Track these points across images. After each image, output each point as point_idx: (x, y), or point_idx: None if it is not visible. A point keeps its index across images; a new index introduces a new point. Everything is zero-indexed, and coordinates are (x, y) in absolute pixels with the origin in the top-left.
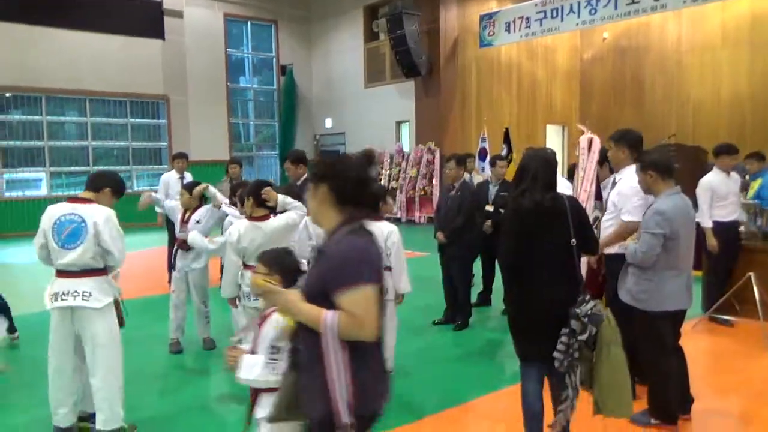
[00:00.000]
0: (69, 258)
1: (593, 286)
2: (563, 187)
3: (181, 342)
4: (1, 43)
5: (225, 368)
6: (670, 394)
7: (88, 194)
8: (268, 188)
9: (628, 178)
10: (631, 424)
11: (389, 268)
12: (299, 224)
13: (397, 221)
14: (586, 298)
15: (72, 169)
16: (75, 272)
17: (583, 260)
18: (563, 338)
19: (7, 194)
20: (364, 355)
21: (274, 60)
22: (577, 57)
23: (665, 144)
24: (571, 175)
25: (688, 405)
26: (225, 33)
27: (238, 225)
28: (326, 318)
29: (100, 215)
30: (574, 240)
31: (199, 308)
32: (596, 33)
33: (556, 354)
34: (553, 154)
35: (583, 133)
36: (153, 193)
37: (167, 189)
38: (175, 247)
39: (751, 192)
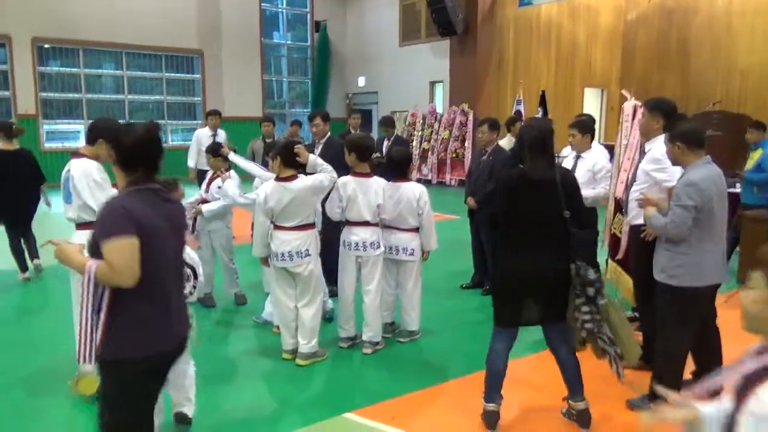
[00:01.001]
0: (67, 213)
1: (617, 253)
2: (598, 152)
3: (214, 296)
4: None
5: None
6: (680, 375)
7: (85, 149)
8: (300, 146)
9: (659, 147)
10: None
11: (417, 229)
12: (327, 187)
13: (427, 183)
14: (583, 263)
15: None
16: (77, 225)
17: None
18: (584, 308)
19: (47, 145)
20: (132, 301)
21: (308, 15)
22: (620, 18)
23: (709, 111)
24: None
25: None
26: None
27: (265, 185)
28: (90, 266)
29: (77, 169)
30: (567, 212)
31: (226, 265)
32: None
33: (586, 325)
34: (549, 124)
35: (626, 99)
36: (199, 207)
37: (199, 145)
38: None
39: (751, 163)
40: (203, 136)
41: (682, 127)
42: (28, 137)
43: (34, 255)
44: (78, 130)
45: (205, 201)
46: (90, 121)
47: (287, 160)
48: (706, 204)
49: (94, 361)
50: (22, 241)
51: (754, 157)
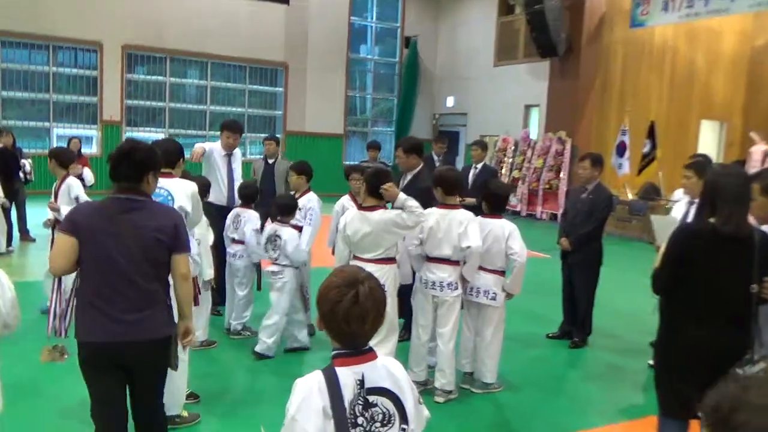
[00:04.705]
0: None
1: None
2: None
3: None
4: (132, 2)
5: None
6: None
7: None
8: (391, 184)
9: None
10: None
11: (502, 272)
12: (411, 227)
13: (515, 215)
14: (755, 357)
15: (189, 132)
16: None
17: None
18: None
19: None
20: (79, 290)
21: (399, 30)
22: (746, 43)
23: None
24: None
25: None
26: None
27: (347, 213)
28: None
29: (185, 190)
30: (755, 286)
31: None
32: None
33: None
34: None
35: (754, 142)
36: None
37: (208, 167)
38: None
39: None
40: (215, 154)
41: None
42: (111, 144)
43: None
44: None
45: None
46: (171, 131)
47: (372, 189)
48: None
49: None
50: None
51: None
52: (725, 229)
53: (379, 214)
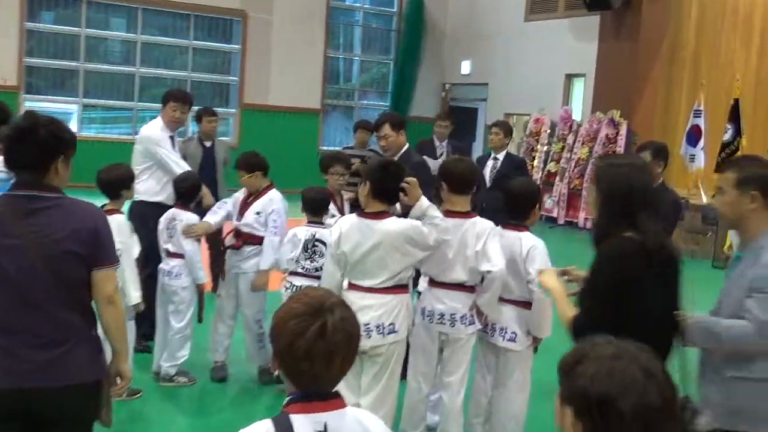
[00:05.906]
0: None
1: None
2: None
3: (227, 366)
4: None
5: None
6: None
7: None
8: (414, 180)
9: None
10: None
11: (526, 304)
12: (431, 246)
13: (551, 221)
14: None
15: (111, 102)
16: None
17: None
18: None
19: None
20: None
21: None
22: None
23: None
24: None
25: None
26: None
27: (342, 220)
28: None
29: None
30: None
31: (250, 326)
32: None
33: None
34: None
35: None
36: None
37: (144, 152)
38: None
39: None
40: (157, 135)
41: (760, 170)
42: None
43: None
44: (70, 111)
45: (239, 232)
46: (86, 100)
47: (380, 189)
48: None
49: None
50: None
51: None
52: (656, 243)
53: (389, 224)
